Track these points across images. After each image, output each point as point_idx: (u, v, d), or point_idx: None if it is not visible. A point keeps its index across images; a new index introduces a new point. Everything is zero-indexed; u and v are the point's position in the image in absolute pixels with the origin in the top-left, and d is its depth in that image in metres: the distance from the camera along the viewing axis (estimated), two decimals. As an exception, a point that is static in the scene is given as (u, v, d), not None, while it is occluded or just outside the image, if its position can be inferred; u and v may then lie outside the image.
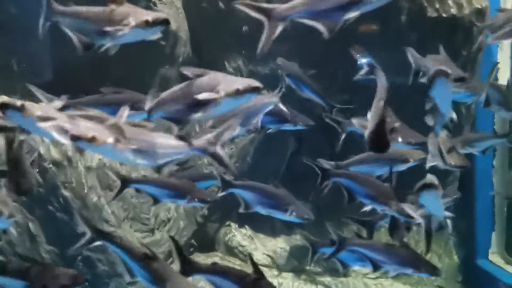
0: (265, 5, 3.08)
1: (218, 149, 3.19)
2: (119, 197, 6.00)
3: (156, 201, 4.49)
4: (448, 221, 4.64)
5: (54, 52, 6.19)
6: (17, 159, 3.90)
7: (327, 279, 6.78)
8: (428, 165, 4.59)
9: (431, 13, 6.23)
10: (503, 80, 6.89)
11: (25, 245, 5.76)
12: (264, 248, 6.89)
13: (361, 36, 6.66)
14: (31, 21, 6.32)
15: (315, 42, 6.49)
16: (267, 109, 4.38)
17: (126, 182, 4.39)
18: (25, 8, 6.19)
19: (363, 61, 5.01)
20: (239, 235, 7.07)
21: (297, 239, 6.99)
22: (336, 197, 4.70)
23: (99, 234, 3.96)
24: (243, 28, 6.41)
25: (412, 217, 4.27)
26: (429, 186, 3.86)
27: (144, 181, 4.45)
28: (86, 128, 2.87)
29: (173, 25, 6.80)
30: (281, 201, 4.50)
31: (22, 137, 3.74)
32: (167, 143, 3.16)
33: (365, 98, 5.34)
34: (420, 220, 4.29)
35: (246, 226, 7.07)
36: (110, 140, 2.88)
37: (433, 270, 4.36)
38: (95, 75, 6.11)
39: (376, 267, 4.34)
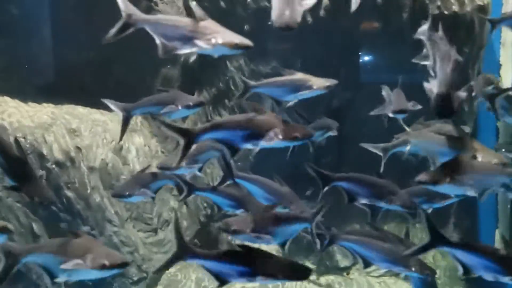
0: None
1: None
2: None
3: (220, 209, 4.59)
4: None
5: (57, 53, 6.20)
6: (30, 173, 4.06)
7: (330, 278, 6.77)
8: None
9: (433, 10, 6.20)
10: (506, 77, 6.87)
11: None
12: (267, 247, 6.88)
13: (363, 33, 6.65)
14: (33, 23, 6.36)
15: (317, 41, 6.54)
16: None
17: (191, 188, 4.44)
18: (27, 10, 6.20)
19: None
20: (242, 234, 7.07)
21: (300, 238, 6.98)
22: (340, 196, 4.69)
23: None
24: (245, 27, 6.40)
25: (413, 209, 4.30)
26: None
27: (209, 190, 4.51)
28: None
29: (175, 25, 6.80)
30: (282, 198, 4.47)
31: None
32: None
33: (367, 96, 5.36)
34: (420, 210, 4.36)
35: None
36: None
37: (423, 270, 4.30)
38: (98, 75, 6.13)
39: (366, 263, 4.31)
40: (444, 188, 3.77)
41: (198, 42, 3.34)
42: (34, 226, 5.76)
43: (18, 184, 4.02)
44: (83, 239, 3.60)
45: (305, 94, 4.52)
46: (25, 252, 3.50)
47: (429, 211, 4.58)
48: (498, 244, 7.50)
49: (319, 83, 4.53)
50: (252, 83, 4.56)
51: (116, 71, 6.48)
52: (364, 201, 4.32)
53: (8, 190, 4.64)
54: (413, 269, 4.15)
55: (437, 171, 3.77)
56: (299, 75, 4.60)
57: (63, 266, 3.37)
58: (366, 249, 4.26)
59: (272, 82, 4.65)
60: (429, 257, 7.00)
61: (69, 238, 3.58)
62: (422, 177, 3.72)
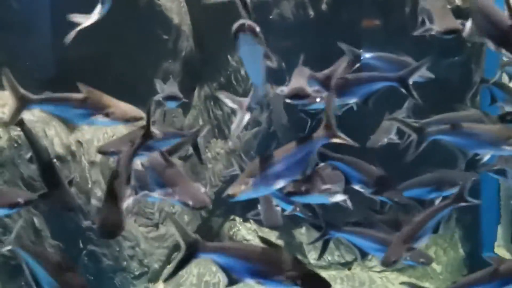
0: None
1: None
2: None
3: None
4: None
5: (56, 48, 6.18)
6: (58, 181, 3.98)
7: (332, 273, 6.77)
8: None
9: (435, 4, 6.17)
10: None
11: (30, 240, 5.77)
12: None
13: (364, 29, 6.63)
14: (33, 17, 6.34)
15: (317, 38, 6.51)
16: None
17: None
18: (28, 5, 6.18)
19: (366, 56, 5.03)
20: (243, 229, 7.06)
21: (302, 233, 6.98)
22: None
23: None
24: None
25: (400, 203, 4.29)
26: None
27: None
28: None
29: (176, 19, 6.78)
30: None
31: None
32: None
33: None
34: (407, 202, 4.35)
35: (251, 220, 7.06)
36: None
37: (419, 258, 4.30)
38: (98, 69, 6.10)
39: (363, 253, 4.32)
40: (315, 198, 3.56)
41: None
42: (36, 220, 5.76)
43: (48, 191, 3.93)
44: (280, 251, 3.10)
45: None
46: (208, 248, 3.04)
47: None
48: (500, 240, 7.50)
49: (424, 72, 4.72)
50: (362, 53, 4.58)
51: (116, 66, 6.45)
52: (356, 187, 4.30)
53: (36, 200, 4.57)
54: (408, 257, 4.15)
55: (306, 181, 3.50)
56: (408, 58, 4.74)
57: None
58: (361, 238, 4.27)
59: (383, 56, 4.69)
60: (430, 252, 6.99)
61: (257, 245, 3.17)
62: (290, 188, 3.46)
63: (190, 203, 3.22)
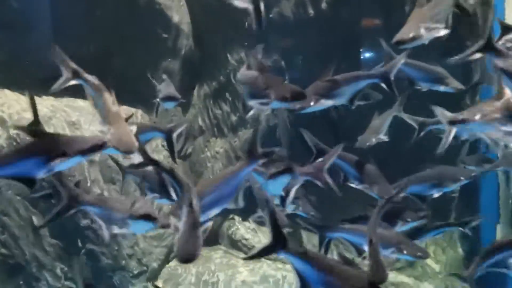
0: None
1: None
2: (123, 191, 6.00)
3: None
4: None
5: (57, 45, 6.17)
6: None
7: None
8: None
9: (436, 3, 6.17)
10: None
11: (28, 239, 5.75)
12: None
13: (364, 29, 6.63)
14: (33, 15, 6.33)
15: (318, 36, 6.50)
16: None
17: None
18: (29, 4, 6.18)
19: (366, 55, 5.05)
20: (242, 228, 7.06)
21: (301, 232, 6.98)
22: (340, 190, 4.69)
23: None
24: (246, 20, 6.38)
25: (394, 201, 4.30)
26: None
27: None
28: None
29: (175, 18, 6.77)
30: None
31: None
32: None
33: (367, 90, 5.33)
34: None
35: (250, 219, 7.05)
36: None
37: (416, 253, 4.30)
38: (98, 68, 6.09)
39: (360, 251, 4.31)
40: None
41: None
42: (34, 219, 5.74)
43: (52, 191, 3.97)
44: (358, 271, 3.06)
45: (439, 87, 4.87)
46: (290, 250, 3.03)
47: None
48: (499, 239, 7.50)
49: (454, 83, 4.89)
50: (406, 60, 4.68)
51: (116, 64, 6.45)
52: (352, 183, 4.34)
53: (41, 198, 4.60)
54: (405, 252, 4.15)
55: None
56: (440, 68, 4.87)
57: None
58: (356, 236, 4.27)
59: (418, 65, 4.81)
60: (429, 251, 7.00)
61: (335, 260, 3.19)
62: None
63: (178, 256, 3.25)
